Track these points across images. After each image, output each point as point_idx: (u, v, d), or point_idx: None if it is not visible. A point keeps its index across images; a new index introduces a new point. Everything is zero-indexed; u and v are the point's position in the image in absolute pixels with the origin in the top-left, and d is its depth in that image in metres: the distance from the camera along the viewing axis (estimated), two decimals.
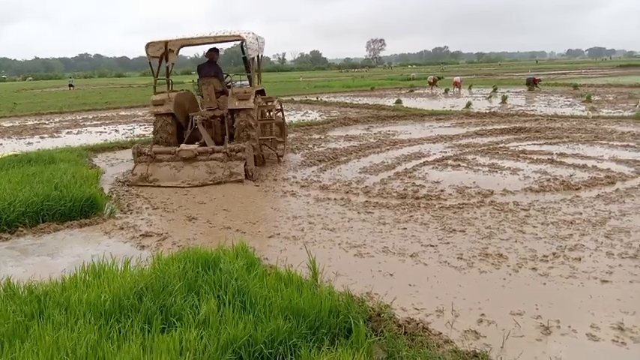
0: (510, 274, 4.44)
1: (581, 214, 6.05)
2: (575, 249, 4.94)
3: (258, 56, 10.34)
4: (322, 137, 13.07)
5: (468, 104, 18.79)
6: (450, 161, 9.40)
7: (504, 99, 20.94)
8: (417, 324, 3.52)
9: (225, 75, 10.50)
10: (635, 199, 6.57)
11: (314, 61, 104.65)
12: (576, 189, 7.18)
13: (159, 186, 8.46)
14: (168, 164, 8.79)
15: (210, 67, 10.20)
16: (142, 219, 6.53)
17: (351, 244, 5.33)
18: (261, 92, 10.39)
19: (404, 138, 12.37)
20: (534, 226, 5.66)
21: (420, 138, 12.28)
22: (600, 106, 17.92)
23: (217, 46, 10.57)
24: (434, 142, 11.67)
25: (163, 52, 9.67)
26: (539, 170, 8.35)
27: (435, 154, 10.19)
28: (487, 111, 17.29)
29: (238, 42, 10.29)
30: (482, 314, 3.74)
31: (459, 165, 9.06)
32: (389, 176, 8.36)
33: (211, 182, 8.43)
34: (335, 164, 9.69)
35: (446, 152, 10.32)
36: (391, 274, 4.53)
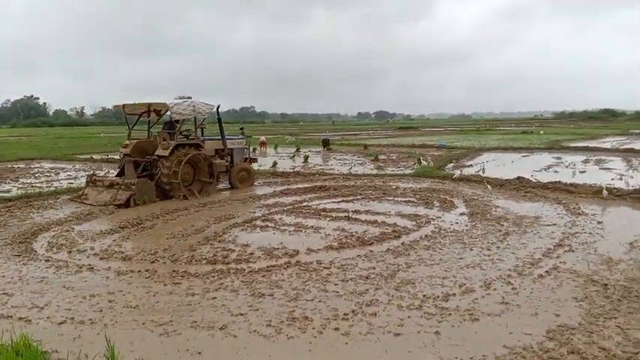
0: (316, 337, 4.64)
1: (374, 268, 6.67)
2: (372, 304, 5.40)
3: (194, 119, 13.62)
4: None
5: (274, 164, 19.65)
6: (258, 222, 9.63)
7: (306, 158, 22.39)
8: None
9: (179, 132, 13.22)
10: (418, 251, 7.50)
11: (118, 116, 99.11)
12: (370, 244, 7.90)
13: (84, 202, 11.79)
14: (97, 188, 12.32)
15: (166, 124, 13.83)
16: None
17: (156, 322, 5.02)
18: (197, 146, 13.10)
19: (214, 199, 12.33)
20: (335, 284, 6.05)
21: (230, 198, 12.39)
22: (386, 165, 20.27)
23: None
24: (243, 202, 11.86)
25: (145, 111, 13.85)
26: (338, 227, 9.02)
27: (244, 214, 10.34)
28: (291, 170, 18.24)
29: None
30: None
31: (267, 225, 9.32)
32: (198, 241, 8.19)
33: (103, 204, 11.38)
34: (139, 230, 9.17)
35: (254, 212, 10.56)
36: (199, 353, 4.37)
